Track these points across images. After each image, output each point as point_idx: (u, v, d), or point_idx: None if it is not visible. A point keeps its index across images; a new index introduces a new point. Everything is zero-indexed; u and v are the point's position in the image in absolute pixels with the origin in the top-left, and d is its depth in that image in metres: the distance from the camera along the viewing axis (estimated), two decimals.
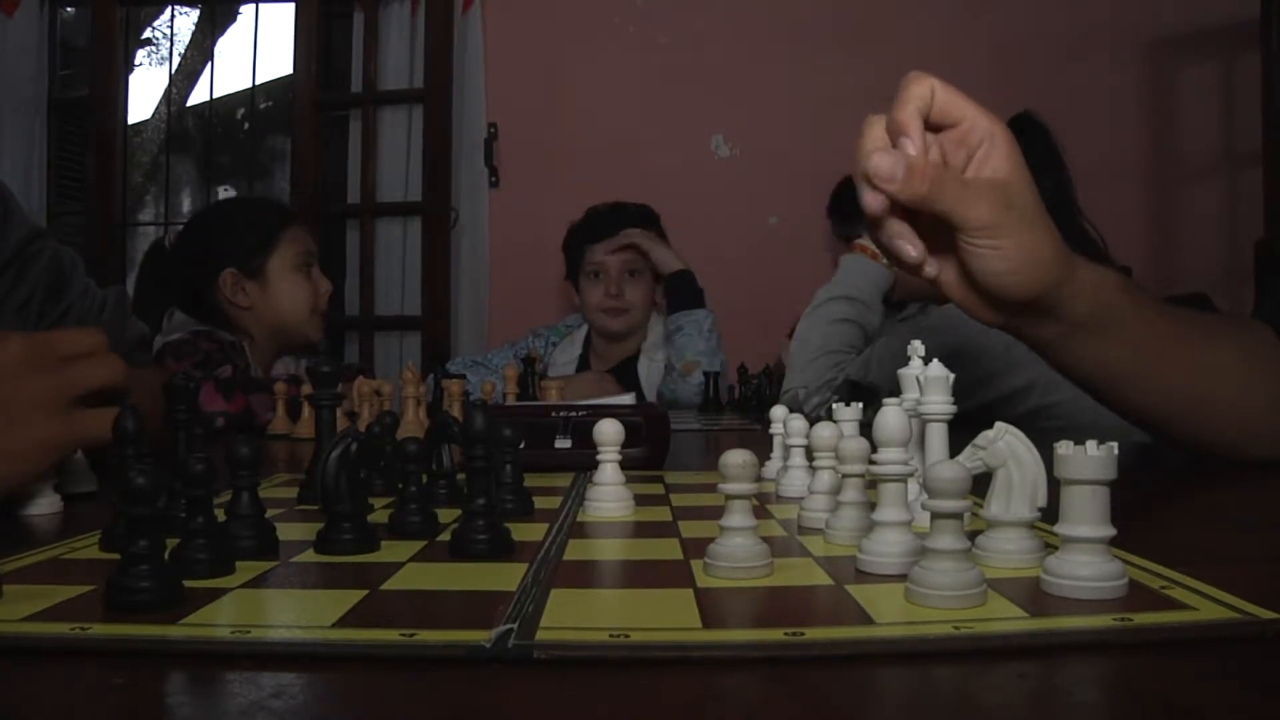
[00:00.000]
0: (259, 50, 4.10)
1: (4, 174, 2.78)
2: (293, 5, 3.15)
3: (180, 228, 2.29)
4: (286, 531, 0.54)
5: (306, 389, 1.38)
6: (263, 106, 4.65)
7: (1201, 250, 3.07)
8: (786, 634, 0.35)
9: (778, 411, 0.79)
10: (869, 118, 0.67)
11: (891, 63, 2.90)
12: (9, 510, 0.64)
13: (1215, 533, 0.61)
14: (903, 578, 0.40)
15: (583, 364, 2.43)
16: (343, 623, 0.37)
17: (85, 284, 1.11)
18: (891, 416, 0.47)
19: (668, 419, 0.94)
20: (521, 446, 0.65)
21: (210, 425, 1.42)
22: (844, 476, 0.53)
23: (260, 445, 0.56)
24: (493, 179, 3.16)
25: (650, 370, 2.35)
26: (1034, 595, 0.40)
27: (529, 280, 3.06)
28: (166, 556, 0.42)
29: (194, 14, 4.84)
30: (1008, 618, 0.37)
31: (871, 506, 0.48)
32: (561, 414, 0.90)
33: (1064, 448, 0.41)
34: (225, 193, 4.53)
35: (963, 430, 0.51)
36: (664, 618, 0.38)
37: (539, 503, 0.65)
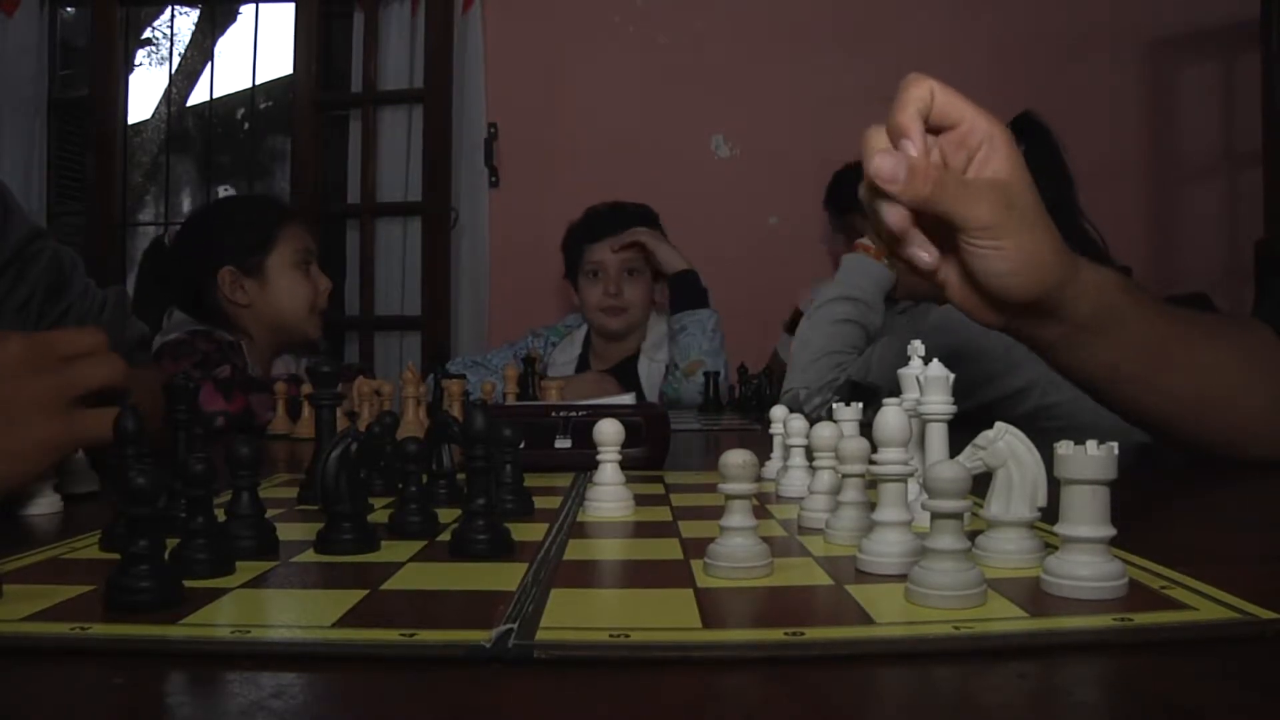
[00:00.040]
0: (259, 50, 4.10)
1: (4, 174, 2.78)
2: (293, 5, 3.15)
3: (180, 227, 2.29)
4: (286, 531, 0.54)
5: (306, 389, 1.38)
6: (263, 106, 4.65)
7: (1201, 250, 3.07)
8: (786, 634, 0.35)
9: (778, 411, 0.79)
10: (868, 130, 0.66)
11: (891, 63, 2.90)
12: (9, 510, 0.64)
13: (1215, 533, 0.61)
14: (903, 578, 0.40)
15: (582, 364, 2.43)
16: (343, 623, 0.37)
17: (85, 284, 1.11)
18: (891, 416, 0.47)
19: (668, 419, 0.94)
20: (521, 446, 0.65)
21: (210, 425, 1.42)
22: (844, 476, 0.53)
23: (260, 445, 0.56)
24: (493, 179, 3.16)
25: (650, 370, 2.35)
26: (1034, 595, 0.40)
27: (529, 280, 3.06)
28: (166, 556, 0.42)
29: (194, 14, 4.84)
30: (1008, 618, 0.37)
31: (871, 506, 0.48)
32: (561, 414, 0.90)
33: (1064, 448, 0.41)
34: (225, 193, 4.52)
35: (963, 430, 0.51)
36: (664, 618, 0.38)
37: (539, 503, 0.65)
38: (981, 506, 0.47)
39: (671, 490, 0.74)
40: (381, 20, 3.17)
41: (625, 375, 2.28)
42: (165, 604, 0.39)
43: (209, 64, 4.70)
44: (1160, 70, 3.11)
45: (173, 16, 4.54)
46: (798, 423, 0.71)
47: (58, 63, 3.42)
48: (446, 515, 0.59)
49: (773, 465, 0.77)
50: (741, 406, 2.00)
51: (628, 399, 1.29)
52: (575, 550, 0.52)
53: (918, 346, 0.59)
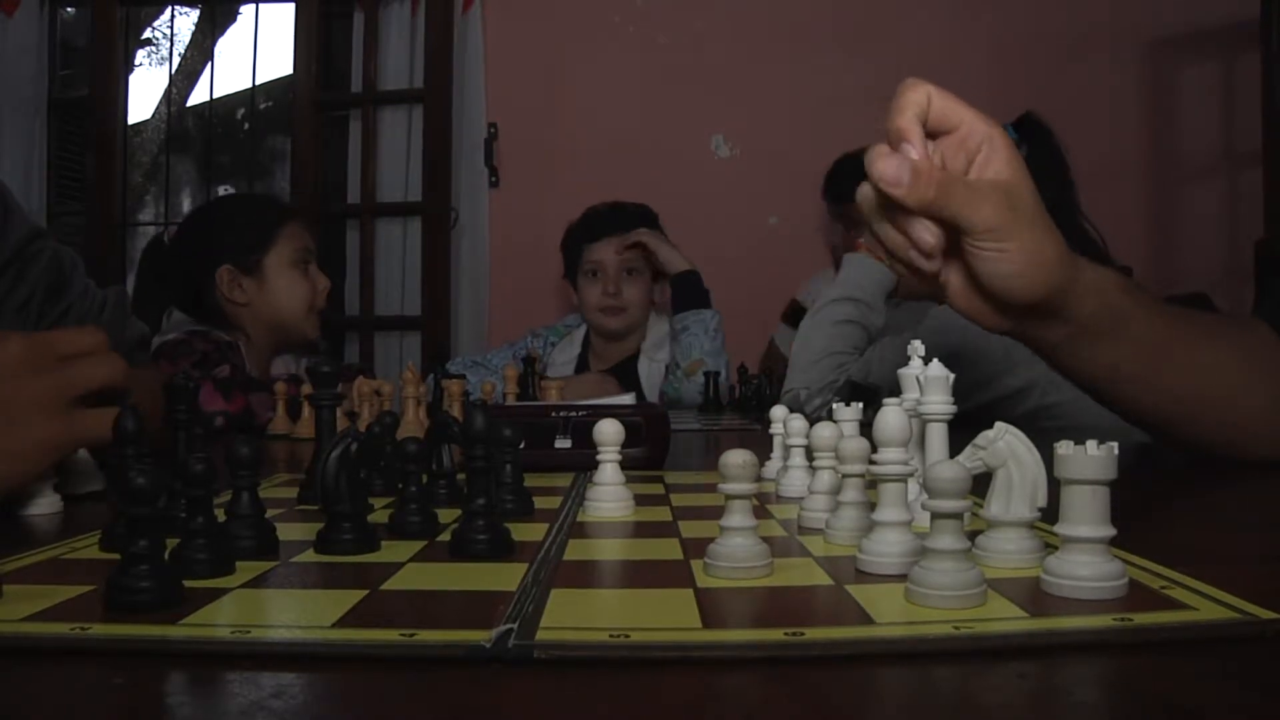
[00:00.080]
0: (259, 50, 4.10)
1: (4, 174, 2.78)
2: (293, 5, 3.15)
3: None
4: (286, 531, 0.54)
5: (306, 389, 1.38)
6: (263, 106, 4.65)
7: (1201, 250, 3.07)
8: (786, 634, 0.35)
9: (778, 411, 0.79)
10: (871, 147, 0.65)
11: (891, 63, 2.92)
12: (9, 510, 0.64)
13: (1215, 533, 0.61)
14: (903, 578, 0.40)
15: (581, 364, 2.43)
16: (343, 623, 0.37)
17: (85, 284, 1.11)
18: (891, 416, 0.47)
19: (668, 419, 0.94)
20: (521, 446, 0.65)
21: (210, 425, 1.42)
22: (844, 476, 0.53)
23: (260, 445, 0.56)
24: (493, 179, 3.16)
25: (650, 370, 2.35)
26: (1034, 595, 0.40)
27: (529, 280, 3.06)
28: (166, 556, 0.42)
29: (194, 14, 4.84)
30: (1008, 618, 0.37)
31: (871, 506, 0.48)
32: (561, 414, 0.90)
33: (1064, 448, 0.41)
34: (225, 193, 4.52)
35: (963, 430, 0.51)
36: (664, 618, 0.38)
37: (539, 503, 0.65)
38: (981, 506, 0.47)
39: (671, 490, 0.74)
40: (381, 20, 3.17)
41: (625, 375, 2.28)
42: (165, 604, 0.39)
43: (209, 64, 4.70)
44: (1160, 70, 3.11)
45: (173, 16, 4.54)
46: (798, 423, 0.71)
47: (58, 63, 3.42)
48: (446, 515, 0.59)
49: (773, 465, 0.77)
50: (741, 406, 2.00)
51: (628, 399, 1.29)
52: (575, 550, 0.52)
53: (918, 347, 0.59)
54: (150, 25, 5.35)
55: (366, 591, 0.42)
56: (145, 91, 8.10)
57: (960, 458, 0.46)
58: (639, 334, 2.42)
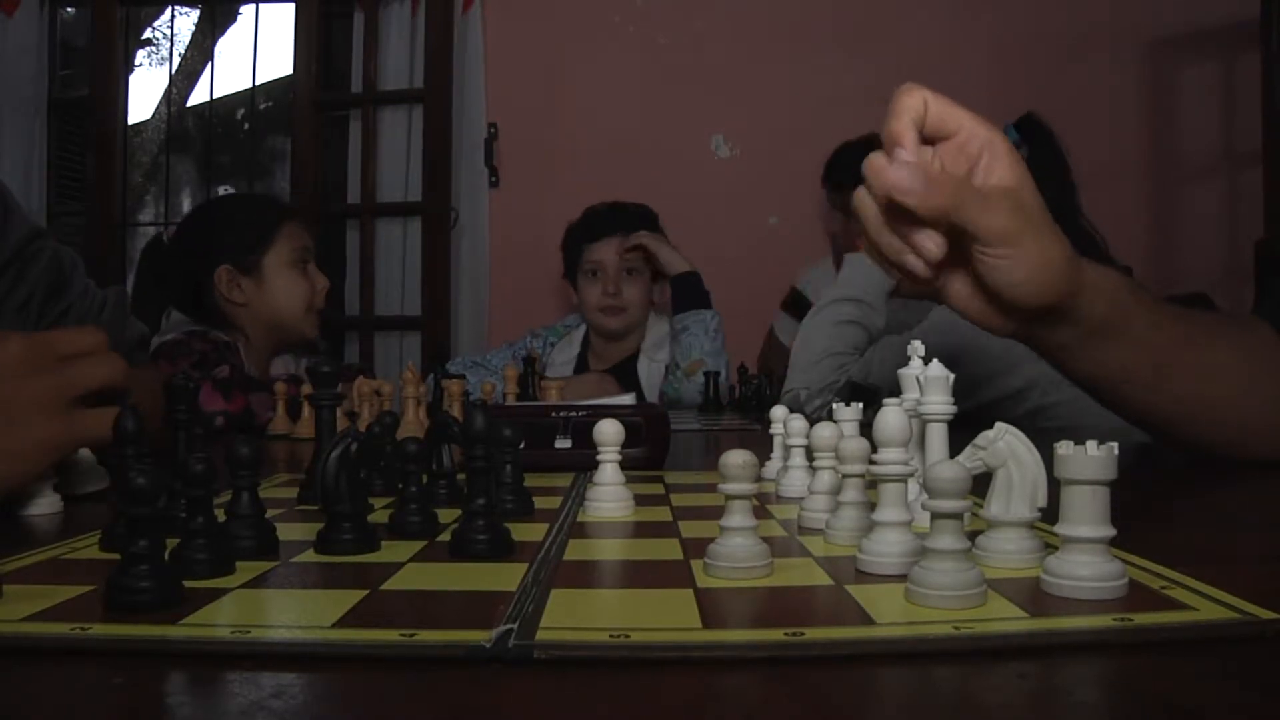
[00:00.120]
0: (259, 50, 4.10)
1: (4, 174, 2.78)
2: (293, 5, 3.15)
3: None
4: (286, 531, 0.54)
5: (306, 389, 1.38)
6: (263, 106, 4.65)
7: (1201, 250, 3.07)
8: (786, 634, 0.35)
9: (778, 412, 0.79)
10: (868, 157, 0.65)
11: (891, 63, 2.92)
12: (9, 510, 0.64)
13: (1215, 533, 0.61)
14: (903, 578, 0.40)
15: (581, 364, 2.43)
16: (343, 623, 0.37)
17: (85, 284, 1.11)
18: (891, 416, 0.47)
19: (668, 419, 0.94)
20: (521, 446, 0.65)
21: (210, 425, 1.42)
22: (844, 476, 0.53)
23: (260, 445, 0.56)
24: (493, 179, 3.16)
25: (650, 370, 2.35)
26: (1034, 595, 0.40)
27: (529, 280, 3.06)
28: (166, 556, 0.42)
29: (194, 14, 4.84)
30: (1008, 618, 0.37)
31: (871, 506, 0.48)
32: (561, 414, 0.90)
33: (1064, 448, 0.41)
34: (225, 193, 4.52)
35: (963, 430, 0.51)
36: (664, 618, 0.38)
37: (539, 503, 0.65)
38: (981, 506, 0.47)
39: (671, 490, 0.74)
40: (381, 20, 3.17)
41: (625, 375, 2.28)
42: (165, 604, 0.39)
43: (209, 64, 4.70)
44: (1160, 70, 3.11)
45: (173, 16, 4.54)
46: (798, 423, 0.71)
47: (58, 63, 3.42)
48: (446, 515, 0.59)
49: (773, 465, 0.77)
50: (741, 406, 2.00)
51: (628, 399, 1.29)
52: (575, 550, 0.52)
53: (918, 347, 0.59)
54: (150, 25, 5.35)
55: (366, 591, 0.42)
56: (145, 91, 8.11)
57: (960, 458, 0.46)
58: (639, 334, 2.42)
